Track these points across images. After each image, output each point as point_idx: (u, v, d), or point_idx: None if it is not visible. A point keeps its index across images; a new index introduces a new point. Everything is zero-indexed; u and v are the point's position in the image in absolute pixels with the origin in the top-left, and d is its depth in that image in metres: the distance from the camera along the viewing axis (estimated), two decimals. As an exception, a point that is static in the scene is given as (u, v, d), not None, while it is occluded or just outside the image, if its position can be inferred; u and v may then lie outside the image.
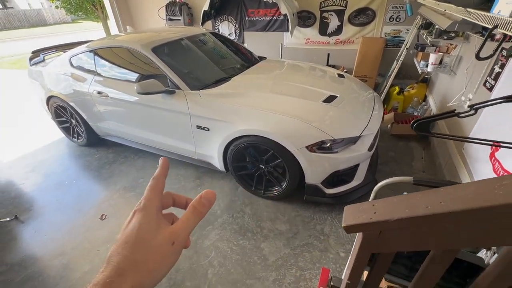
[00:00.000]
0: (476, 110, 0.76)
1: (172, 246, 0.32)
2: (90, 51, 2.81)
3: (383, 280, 1.29)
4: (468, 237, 0.56)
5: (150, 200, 0.35)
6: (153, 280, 0.30)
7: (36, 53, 3.43)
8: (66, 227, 2.19)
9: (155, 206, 0.35)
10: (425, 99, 3.69)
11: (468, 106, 0.77)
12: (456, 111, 0.78)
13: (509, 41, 1.27)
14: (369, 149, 2.04)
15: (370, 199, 1.01)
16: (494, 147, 1.64)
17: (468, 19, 1.02)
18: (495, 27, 0.75)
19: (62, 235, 2.11)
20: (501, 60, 1.75)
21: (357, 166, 2.06)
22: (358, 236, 0.67)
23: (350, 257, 0.81)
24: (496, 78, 1.84)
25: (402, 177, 0.81)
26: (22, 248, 2.03)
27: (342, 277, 1.07)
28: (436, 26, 2.27)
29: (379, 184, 0.87)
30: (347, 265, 0.97)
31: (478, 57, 0.91)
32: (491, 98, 1.75)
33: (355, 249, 0.71)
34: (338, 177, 2.09)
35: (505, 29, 0.71)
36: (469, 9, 1.02)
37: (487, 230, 0.53)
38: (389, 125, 3.34)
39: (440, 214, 0.52)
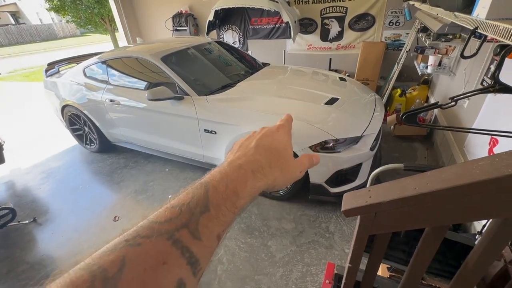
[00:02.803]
0: (456, 101, 0.84)
1: (299, 173, 0.40)
2: (103, 62, 2.97)
3: (386, 270, 1.34)
4: (453, 213, 0.64)
5: (289, 123, 0.42)
6: (277, 186, 0.37)
7: (51, 65, 3.62)
8: (82, 228, 2.30)
9: (290, 130, 0.41)
10: (427, 100, 3.73)
11: (449, 98, 0.85)
12: (439, 103, 0.85)
13: (491, 41, 1.34)
14: (371, 149, 2.11)
15: (367, 186, 1.08)
16: (492, 143, 1.70)
17: (456, 22, 1.10)
18: (476, 28, 0.83)
19: (78, 236, 2.21)
20: (496, 60, 1.81)
21: (360, 165, 2.12)
22: (357, 221, 0.75)
23: (351, 243, 0.87)
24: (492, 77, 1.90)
25: (394, 164, 0.88)
26: (41, 248, 2.14)
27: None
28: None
29: (374, 172, 0.94)
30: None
31: (462, 56, 0.99)
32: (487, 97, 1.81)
33: (355, 233, 0.78)
34: (342, 176, 2.16)
35: (484, 30, 0.79)
36: (456, 13, 1.10)
37: (468, 205, 0.60)
38: (392, 127, 3.39)
39: (426, 194, 0.60)
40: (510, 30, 0.65)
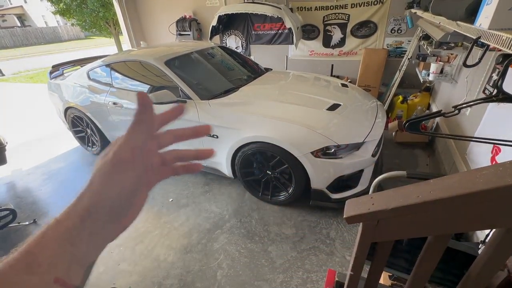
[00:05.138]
0: (459, 110, 0.84)
1: (110, 161, 0.31)
2: (107, 65, 2.99)
3: (388, 278, 1.33)
4: (456, 222, 0.63)
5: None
6: (105, 199, 0.30)
7: (56, 67, 3.65)
8: (81, 231, 2.29)
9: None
10: (429, 107, 3.74)
11: (453, 107, 0.86)
12: (442, 111, 0.86)
13: (493, 50, 1.35)
14: (373, 155, 2.10)
15: (369, 193, 1.08)
16: (494, 151, 1.69)
17: (458, 31, 1.11)
18: (478, 38, 0.84)
19: (78, 238, 2.20)
20: (498, 68, 1.82)
21: (361, 171, 2.12)
22: (359, 228, 0.74)
23: (353, 250, 0.87)
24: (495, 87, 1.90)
25: (397, 172, 0.88)
26: (40, 250, 2.13)
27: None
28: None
29: (376, 179, 0.94)
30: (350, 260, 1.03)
31: (465, 64, 1.00)
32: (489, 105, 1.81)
33: (357, 240, 0.77)
34: (343, 182, 2.15)
35: (486, 40, 0.79)
36: (458, 22, 1.12)
37: (471, 214, 0.60)
38: (393, 133, 3.39)
39: (430, 202, 0.60)
40: (513, 40, 0.65)
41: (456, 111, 0.85)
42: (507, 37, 0.68)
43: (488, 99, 0.84)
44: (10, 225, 2.30)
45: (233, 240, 2.09)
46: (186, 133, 0.39)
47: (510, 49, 0.66)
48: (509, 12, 0.70)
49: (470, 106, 0.86)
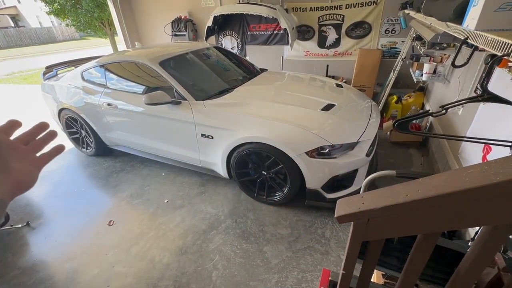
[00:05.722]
0: (446, 109, 0.85)
1: None
2: (101, 66, 2.97)
3: (381, 277, 1.34)
4: (444, 220, 0.64)
5: None
6: None
7: (49, 68, 3.62)
8: (76, 233, 2.27)
9: None
10: (422, 107, 3.78)
11: (440, 106, 0.87)
12: (430, 111, 0.87)
13: (482, 50, 1.37)
14: (367, 155, 2.12)
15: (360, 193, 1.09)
16: (485, 150, 1.72)
17: (448, 31, 1.13)
18: (466, 38, 0.85)
19: (72, 241, 2.19)
20: (489, 68, 1.85)
21: (356, 171, 2.13)
22: (351, 227, 0.75)
23: (345, 249, 0.88)
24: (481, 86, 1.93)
25: (386, 171, 0.89)
26: (33, 253, 2.11)
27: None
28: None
29: (367, 179, 0.95)
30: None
31: (454, 65, 1.01)
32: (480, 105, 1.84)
33: (348, 239, 0.78)
34: (338, 182, 2.16)
35: (473, 41, 0.81)
36: (448, 23, 1.13)
37: (458, 212, 0.61)
38: (388, 133, 3.42)
39: (418, 200, 0.61)
40: (498, 41, 0.66)
41: (444, 111, 0.86)
42: (492, 38, 0.69)
43: (474, 99, 0.85)
44: (3, 228, 2.28)
45: (228, 240, 2.09)
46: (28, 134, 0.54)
47: (495, 50, 0.67)
48: (495, 13, 0.71)
49: (456, 106, 0.88)
